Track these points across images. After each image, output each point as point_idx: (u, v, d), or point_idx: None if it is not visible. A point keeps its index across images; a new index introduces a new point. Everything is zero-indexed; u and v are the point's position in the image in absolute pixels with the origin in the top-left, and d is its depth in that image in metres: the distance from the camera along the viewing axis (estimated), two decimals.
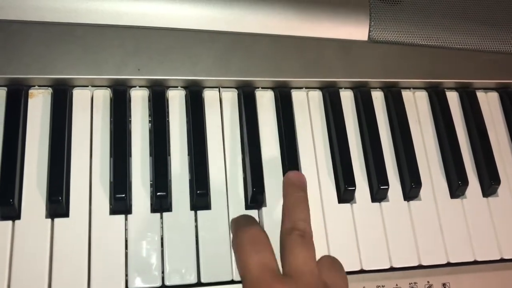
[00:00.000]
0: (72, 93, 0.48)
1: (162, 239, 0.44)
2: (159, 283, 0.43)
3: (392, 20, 0.55)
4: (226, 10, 0.51)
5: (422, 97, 0.56)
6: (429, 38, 0.56)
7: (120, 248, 0.44)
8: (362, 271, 0.47)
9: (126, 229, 0.44)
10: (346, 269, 0.46)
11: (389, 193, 0.50)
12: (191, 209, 0.46)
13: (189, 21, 0.50)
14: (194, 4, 0.51)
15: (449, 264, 0.49)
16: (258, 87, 0.52)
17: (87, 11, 0.48)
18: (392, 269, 0.48)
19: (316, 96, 0.53)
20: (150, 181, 0.46)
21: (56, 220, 0.43)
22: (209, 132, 0.49)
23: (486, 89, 0.58)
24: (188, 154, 0.48)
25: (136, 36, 0.49)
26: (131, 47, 0.48)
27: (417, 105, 0.55)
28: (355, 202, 0.50)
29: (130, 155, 0.47)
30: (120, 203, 0.44)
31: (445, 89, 0.56)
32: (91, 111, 0.48)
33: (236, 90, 0.52)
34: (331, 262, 0.42)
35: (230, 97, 0.51)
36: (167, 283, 0.43)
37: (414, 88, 0.56)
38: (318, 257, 0.42)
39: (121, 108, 0.48)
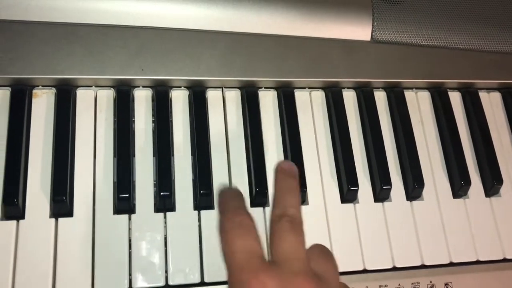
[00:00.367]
0: (75, 93, 0.48)
1: (165, 238, 0.45)
2: (162, 283, 0.43)
3: (395, 20, 0.55)
4: (229, 10, 0.51)
5: (424, 97, 0.56)
6: (431, 39, 0.56)
7: (124, 247, 0.44)
8: (364, 271, 0.48)
9: (129, 229, 0.44)
10: (349, 268, 0.47)
11: (392, 193, 0.50)
12: (195, 208, 0.46)
13: (193, 21, 0.50)
14: (197, 4, 0.51)
15: (451, 264, 0.50)
16: (261, 87, 0.52)
17: (91, 11, 0.48)
18: (394, 268, 0.48)
19: (319, 96, 0.53)
20: (154, 181, 0.46)
21: (60, 219, 0.44)
22: (212, 131, 0.49)
23: (489, 89, 0.58)
24: (192, 154, 0.48)
25: (140, 36, 0.49)
26: (134, 47, 0.48)
27: (419, 105, 0.55)
28: (358, 202, 0.50)
29: (133, 155, 0.47)
30: (124, 203, 0.44)
31: (448, 89, 0.57)
32: (95, 111, 0.48)
33: (239, 90, 0.52)
34: (321, 250, 0.41)
35: (233, 97, 0.51)
36: (170, 282, 0.43)
37: (416, 88, 0.56)
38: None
39: (124, 108, 0.48)
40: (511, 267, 0.51)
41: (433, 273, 0.49)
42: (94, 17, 0.48)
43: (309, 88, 0.53)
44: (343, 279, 0.46)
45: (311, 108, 0.53)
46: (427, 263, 0.49)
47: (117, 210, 0.45)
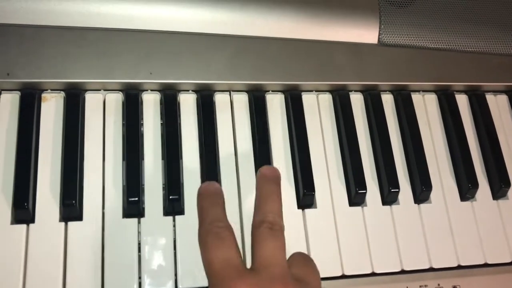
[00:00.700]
0: (84, 97, 0.48)
1: (174, 242, 0.45)
2: (172, 286, 0.43)
3: (402, 23, 0.55)
4: (237, 14, 0.51)
5: (431, 100, 0.56)
6: (438, 41, 0.56)
7: (133, 251, 0.44)
8: (373, 274, 0.48)
9: (139, 232, 0.45)
10: (358, 272, 0.47)
11: (400, 196, 0.50)
12: None
13: (200, 25, 0.50)
14: (204, 8, 0.51)
15: (459, 267, 0.50)
16: (269, 91, 0.52)
17: (100, 16, 0.48)
18: (402, 272, 0.48)
19: (326, 99, 0.53)
20: (163, 184, 0.46)
21: (70, 223, 0.44)
22: (220, 135, 0.49)
23: (496, 91, 0.58)
24: (200, 157, 0.48)
25: (148, 40, 0.49)
26: (143, 51, 0.48)
27: (426, 108, 0.56)
28: (365, 205, 0.50)
29: (142, 159, 0.47)
30: (133, 207, 0.44)
31: (455, 92, 0.57)
32: (104, 115, 0.48)
33: (246, 93, 0.52)
34: (302, 257, 0.42)
35: (241, 100, 0.51)
36: (179, 285, 0.43)
37: (423, 91, 0.56)
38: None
39: (133, 112, 0.48)
40: None
41: (441, 276, 0.49)
42: (102, 21, 0.48)
43: (316, 91, 0.54)
44: (353, 282, 0.47)
45: (318, 111, 0.53)
46: (435, 266, 0.49)
47: (126, 214, 0.45)
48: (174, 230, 0.45)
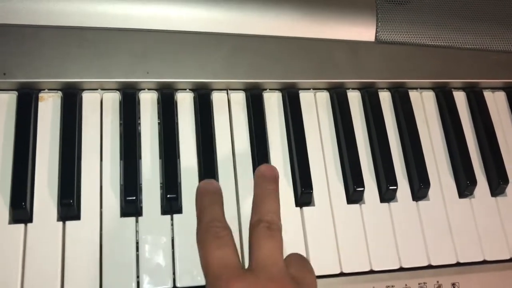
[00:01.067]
0: (81, 96, 0.48)
1: (172, 240, 0.45)
2: (170, 285, 0.43)
3: (399, 20, 0.55)
4: (234, 12, 0.51)
5: (429, 97, 0.56)
6: (436, 39, 0.56)
7: (131, 250, 0.44)
8: (371, 272, 0.48)
9: (137, 231, 0.45)
10: (356, 269, 0.47)
11: (398, 194, 0.50)
12: None
13: (197, 24, 0.50)
14: (202, 7, 0.51)
15: (458, 264, 0.50)
16: (266, 89, 0.52)
17: (97, 15, 0.48)
18: (401, 269, 0.48)
19: (324, 97, 0.53)
20: (160, 183, 0.46)
21: (68, 223, 0.44)
22: (217, 133, 0.49)
23: (493, 88, 0.58)
24: (197, 156, 0.48)
25: (145, 39, 0.49)
26: (140, 50, 0.48)
27: (424, 105, 0.56)
28: (364, 203, 0.50)
29: (140, 158, 0.47)
30: (131, 206, 0.44)
31: (452, 89, 0.57)
32: (101, 114, 0.48)
33: (244, 92, 0.52)
34: (299, 258, 0.42)
35: (239, 99, 0.51)
36: (178, 284, 0.44)
37: (421, 88, 0.56)
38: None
39: (130, 111, 0.48)
40: None
41: (440, 273, 0.49)
42: (99, 21, 0.48)
43: (313, 89, 0.54)
44: (351, 280, 0.47)
45: (316, 109, 0.53)
46: (433, 263, 0.49)
47: (124, 213, 0.45)
48: (172, 229, 0.45)
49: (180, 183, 0.46)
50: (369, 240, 0.48)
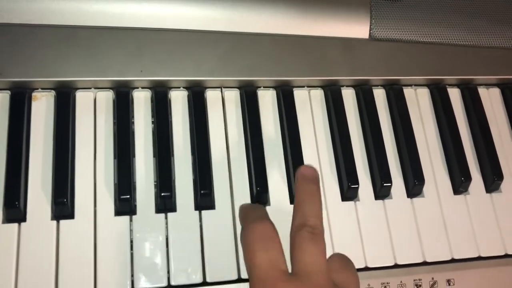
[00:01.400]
0: (75, 95, 0.48)
1: (167, 239, 0.45)
2: (165, 283, 0.43)
3: (393, 17, 0.55)
4: (228, 10, 0.51)
5: (424, 94, 0.56)
6: (430, 35, 0.56)
7: (126, 249, 0.44)
8: (366, 269, 0.48)
9: (131, 230, 0.45)
10: None
11: (392, 191, 0.50)
12: (196, 209, 0.46)
13: (191, 22, 0.50)
14: (195, 5, 0.51)
15: (453, 260, 0.49)
16: (260, 87, 0.52)
17: (90, 13, 0.48)
18: (396, 266, 0.48)
19: (318, 94, 0.53)
20: (154, 181, 0.46)
21: (62, 222, 0.44)
22: (212, 131, 0.49)
23: (488, 85, 0.58)
24: (192, 154, 0.48)
25: (138, 37, 0.49)
26: (133, 48, 0.48)
27: (419, 102, 0.55)
28: (358, 200, 0.50)
29: (133, 156, 0.47)
30: (125, 204, 0.44)
31: (447, 86, 0.57)
32: (95, 113, 0.48)
33: (238, 90, 0.52)
34: (341, 261, 0.41)
35: (233, 96, 0.51)
36: (172, 283, 0.43)
37: (415, 85, 0.56)
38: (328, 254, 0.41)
39: (124, 110, 0.48)
40: None
41: (435, 270, 0.49)
42: (93, 19, 0.48)
43: (308, 86, 0.53)
44: None
45: (310, 106, 0.53)
46: (428, 260, 0.49)
47: (118, 212, 0.45)
48: (167, 227, 0.45)
49: (174, 182, 0.46)
50: (364, 237, 0.48)
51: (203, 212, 0.46)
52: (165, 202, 0.45)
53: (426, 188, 0.51)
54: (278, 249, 0.38)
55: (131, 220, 0.45)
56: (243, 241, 0.40)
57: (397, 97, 0.54)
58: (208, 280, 0.44)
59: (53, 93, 0.48)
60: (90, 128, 0.47)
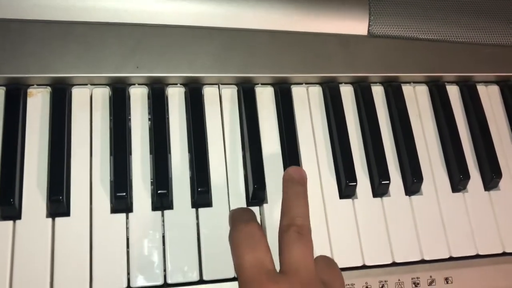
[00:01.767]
0: (71, 92, 0.48)
1: (163, 237, 0.44)
2: (161, 281, 0.43)
3: (392, 14, 0.55)
4: (225, 6, 0.51)
5: (422, 91, 0.56)
6: (429, 32, 0.55)
7: (122, 246, 0.43)
8: (364, 267, 0.47)
9: (127, 228, 0.44)
10: (348, 264, 0.47)
11: (391, 188, 0.50)
12: (192, 206, 0.46)
13: (188, 18, 0.50)
14: (192, 0, 0.50)
15: (451, 259, 0.49)
16: (258, 83, 0.52)
17: (86, 9, 0.48)
18: (394, 264, 0.48)
19: (316, 91, 0.53)
20: (151, 179, 0.46)
21: (57, 219, 0.43)
22: (209, 129, 0.49)
23: (487, 82, 0.58)
24: (189, 151, 0.48)
25: (135, 33, 0.48)
26: (130, 45, 0.48)
27: (417, 99, 0.55)
28: (356, 198, 0.49)
29: (130, 153, 0.46)
30: (121, 202, 0.44)
31: (446, 83, 0.56)
32: (91, 110, 0.48)
33: (235, 86, 0.51)
34: (327, 260, 0.42)
35: (230, 93, 0.51)
36: (169, 281, 0.43)
37: (414, 82, 0.56)
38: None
39: (120, 106, 0.47)
40: (511, 260, 0.50)
41: (433, 268, 0.49)
42: (89, 15, 0.48)
43: (306, 83, 0.53)
44: (344, 275, 0.46)
45: (308, 103, 0.52)
46: (427, 258, 0.49)
47: (114, 209, 0.44)
48: (163, 225, 0.45)
49: (171, 179, 0.46)
50: (362, 235, 0.48)
51: (200, 209, 0.46)
52: (162, 200, 0.45)
53: (424, 186, 0.51)
54: (265, 249, 0.38)
55: (127, 217, 0.44)
56: (230, 243, 0.40)
57: (395, 94, 0.54)
58: (205, 278, 0.44)
59: (49, 89, 0.47)
60: (86, 125, 0.47)
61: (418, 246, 0.49)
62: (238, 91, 0.51)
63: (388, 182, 0.49)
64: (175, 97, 0.50)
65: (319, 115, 0.52)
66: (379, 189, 0.49)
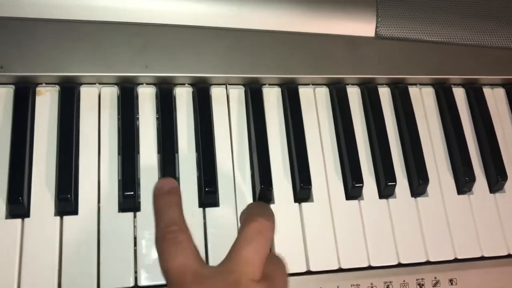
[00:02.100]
0: (79, 90, 0.48)
1: None
2: None
3: (399, 16, 0.55)
4: (234, 6, 0.51)
5: (429, 93, 0.56)
6: (435, 35, 0.55)
7: (129, 245, 0.44)
8: (369, 268, 0.47)
9: (135, 226, 0.44)
10: (354, 265, 0.47)
11: (397, 190, 0.50)
12: (199, 206, 0.46)
13: (197, 18, 0.50)
14: (202, 0, 0.50)
15: (456, 260, 0.50)
16: (265, 84, 0.52)
17: (95, 8, 0.48)
18: (399, 265, 0.48)
19: (323, 92, 0.53)
20: (158, 178, 0.46)
21: (65, 217, 0.44)
22: (216, 128, 0.49)
23: (493, 85, 0.58)
24: (196, 151, 0.48)
25: (144, 33, 0.48)
26: (138, 44, 0.48)
27: (424, 101, 0.55)
28: (362, 199, 0.50)
29: (138, 153, 0.47)
30: (129, 201, 0.44)
31: (452, 85, 0.56)
32: (99, 109, 0.48)
33: (243, 87, 0.51)
34: (270, 256, 0.41)
35: (237, 94, 0.51)
36: None
37: (421, 84, 0.56)
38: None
39: (128, 106, 0.47)
40: None
41: (438, 269, 0.49)
42: (98, 14, 0.48)
43: (313, 84, 0.53)
44: (349, 276, 0.47)
45: (315, 104, 0.52)
46: (432, 259, 0.49)
47: (122, 208, 0.45)
48: None
49: (178, 178, 0.46)
50: (368, 236, 0.48)
51: (207, 209, 0.46)
52: None
53: (430, 188, 0.51)
54: (189, 253, 0.39)
55: (135, 216, 0.45)
56: (156, 245, 0.41)
57: (402, 96, 0.54)
58: None
59: (57, 88, 0.48)
60: (94, 124, 0.47)
61: (423, 247, 0.49)
62: (246, 92, 0.51)
63: (394, 183, 0.49)
64: (183, 97, 0.50)
65: (326, 116, 0.52)
66: (385, 190, 0.50)
